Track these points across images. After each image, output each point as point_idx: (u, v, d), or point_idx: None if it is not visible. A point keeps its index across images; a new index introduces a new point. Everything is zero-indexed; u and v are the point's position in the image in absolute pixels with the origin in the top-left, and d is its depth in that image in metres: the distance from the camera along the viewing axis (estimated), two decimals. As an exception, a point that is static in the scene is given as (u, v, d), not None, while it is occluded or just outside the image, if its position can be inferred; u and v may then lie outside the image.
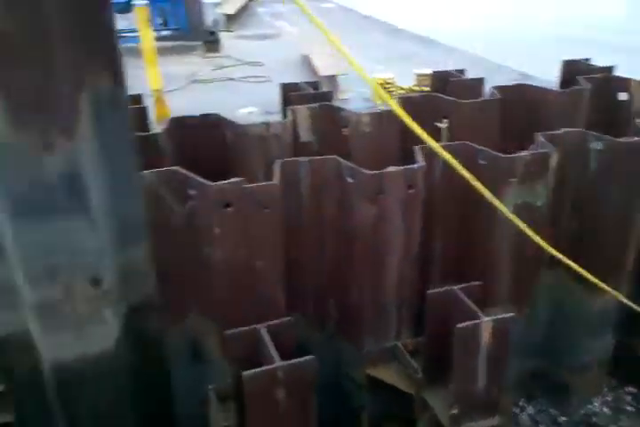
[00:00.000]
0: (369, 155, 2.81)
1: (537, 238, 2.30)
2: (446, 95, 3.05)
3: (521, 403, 3.33)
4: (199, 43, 11.35)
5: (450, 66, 4.43)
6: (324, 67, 8.66)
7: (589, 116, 3.16)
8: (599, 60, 3.67)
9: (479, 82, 3.36)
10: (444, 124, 2.95)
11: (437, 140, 2.23)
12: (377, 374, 2.48)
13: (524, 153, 2.51)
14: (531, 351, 3.05)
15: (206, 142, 2.77)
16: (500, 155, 2.47)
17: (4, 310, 1.79)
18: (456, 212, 2.63)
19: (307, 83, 3.38)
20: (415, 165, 2.34)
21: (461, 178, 2.12)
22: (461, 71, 3.54)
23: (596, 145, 2.65)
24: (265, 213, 2.17)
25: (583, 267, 2.41)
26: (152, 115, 4.18)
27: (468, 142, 2.54)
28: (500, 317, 2.01)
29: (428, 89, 3.80)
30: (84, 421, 1.98)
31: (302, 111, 2.89)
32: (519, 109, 3.09)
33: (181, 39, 11.37)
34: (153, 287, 1.90)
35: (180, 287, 2.31)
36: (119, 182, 1.77)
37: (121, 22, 8.19)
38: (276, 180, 2.21)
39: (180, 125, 2.72)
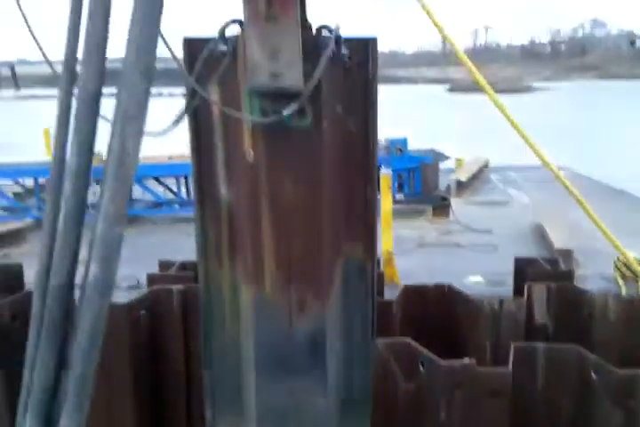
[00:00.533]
0: (615, 347, 2.55)
1: None
2: None
3: None
4: (429, 207, 11.84)
5: None
6: (560, 239, 8.39)
7: None
8: None
9: None
10: None
11: None
12: None
13: None
14: None
15: (436, 313, 2.77)
16: None
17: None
18: None
19: (544, 259, 3.29)
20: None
21: None
22: None
23: None
24: (494, 400, 2.04)
25: None
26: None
27: None
28: None
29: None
30: None
31: (539, 290, 2.78)
32: None
33: (413, 203, 11.97)
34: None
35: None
36: (355, 349, 1.82)
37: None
38: (509, 365, 2.09)
39: (413, 294, 2.78)
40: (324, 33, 2.42)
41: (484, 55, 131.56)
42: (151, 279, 5.32)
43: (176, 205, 11.59)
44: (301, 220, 2.63)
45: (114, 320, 2.89)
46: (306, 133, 2.49)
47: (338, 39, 2.33)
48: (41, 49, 2.41)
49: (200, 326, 2.72)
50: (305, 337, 1.74)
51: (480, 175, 16.13)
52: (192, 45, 2.43)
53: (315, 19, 2.47)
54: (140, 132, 1.19)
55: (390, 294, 5.86)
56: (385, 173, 7.12)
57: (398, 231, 9.14)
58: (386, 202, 7.17)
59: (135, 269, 6.05)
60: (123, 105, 1.16)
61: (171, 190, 11.80)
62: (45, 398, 1.34)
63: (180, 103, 2.34)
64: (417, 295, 2.79)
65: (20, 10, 2.32)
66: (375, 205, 2.81)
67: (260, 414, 1.74)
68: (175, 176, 11.36)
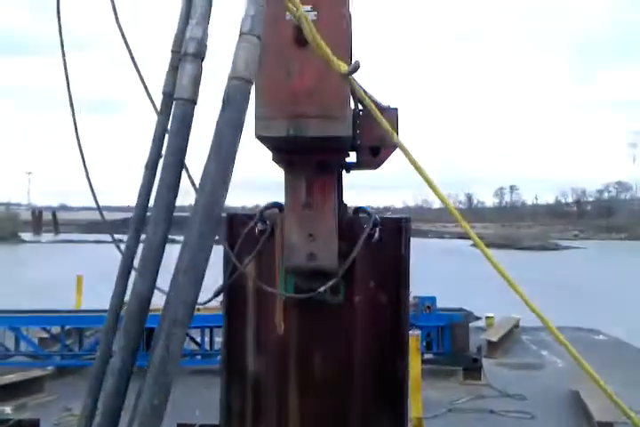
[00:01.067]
0: None
1: None
2: None
3: None
4: (459, 368, 11.41)
5: None
6: (600, 410, 7.91)
7: None
8: None
9: None
10: None
11: None
12: None
13: None
14: None
15: None
16: None
17: None
18: None
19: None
20: None
21: None
22: None
23: None
24: None
25: None
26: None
27: None
28: None
29: None
30: None
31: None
32: None
33: (442, 363, 11.57)
34: None
35: None
36: None
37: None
38: None
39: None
40: (360, 214, 2.57)
41: (510, 213, 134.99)
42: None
43: (198, 357, 11.39)
44: (329, 396, 2.57)
45: None
46: (338, 308, 2.53)
47: (374, 222, 2.47)
48: (95, 199, 2.57)
49: None
50: None
51: (511, 335, 15.69)
52: (233, 220, 2.59)
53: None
54: (183, 340, 1.26)
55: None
56: (413, 335, 7.01)
57: (427, 392, 8.75)
58: (415, 365, 6.97)
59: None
60: (172, 308, 1.23)
61: (194, 341, 11.68)
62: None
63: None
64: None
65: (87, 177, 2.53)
66: (407, 382, 2.75)
67: None
68: (200, 327, 11.31)
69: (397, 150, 2.64)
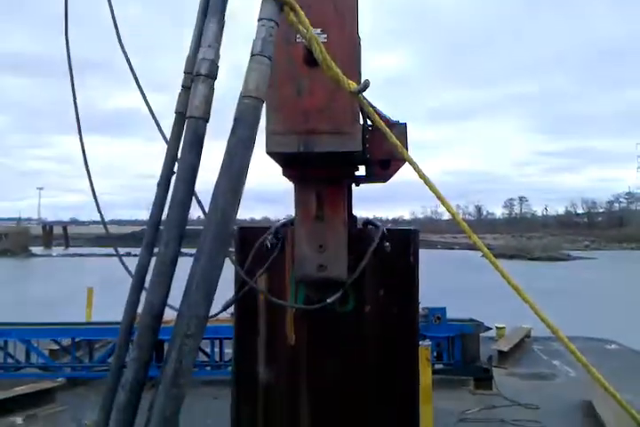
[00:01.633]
0: None
1: None
2: None
3: None
4: (470, 378, 11.33)
5: None
6: (613, 422, 7.84)
7: None
8: None
9: None
10: None
11: None
12: None
13: None
14: None
15: None
16: None
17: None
18: None
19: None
20: None
21: None
22: None
23: None
24: None
25: None
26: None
27: None
28: None
29: None
30: None
31: None
32: None
33: (452, 373, 11.50)
34: None
35: None
36: None
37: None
38: None
39: None
40: (369, 227, 2.61)
41: (520, 224, 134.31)
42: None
43: (208, 368, 11.39)
44: (342, 406, 2.59)
45: None
46: (348, 317, 2.56)
47: (382, 234, 2.50)
48: (100, 213, 2.61)
49: None
50: None
51: (522, 345, 15.58)
52: (244, 233, 2.62)
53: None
54: (195, 353, 1.29)
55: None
56: (423, 346, 6.99)
57: (438, 403, 8.69)
58: (425, 375, 6.94)
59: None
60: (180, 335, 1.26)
61: (204, 352, 11.69)
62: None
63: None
64: None
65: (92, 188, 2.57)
66: (418, 390, 2.77)
67: None
68: (210, 338, 11.32)
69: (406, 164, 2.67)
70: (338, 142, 2.23)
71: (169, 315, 1.63)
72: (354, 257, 2.45)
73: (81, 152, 2.42)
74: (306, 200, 2.46)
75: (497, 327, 15.22)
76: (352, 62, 2.23)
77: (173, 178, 1.59)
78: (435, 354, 11.48)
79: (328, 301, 2.37)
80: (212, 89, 1.58)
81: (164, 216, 1.61)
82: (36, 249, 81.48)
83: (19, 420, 8.69)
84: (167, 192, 1.71)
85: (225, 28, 1.58)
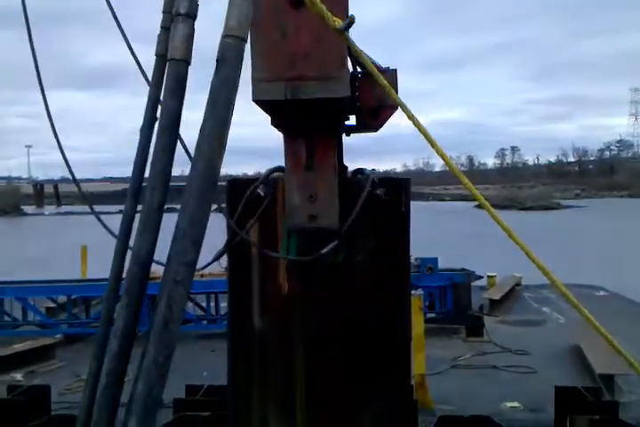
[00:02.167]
0: None
1: None
2: None
3: None
4: (462, 326, 11.56)
5: None
6: (600, 363, 8.05)
7: None
8: None
9: None
10: None
11: None
12: None
13: None
14: None
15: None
16: None
17: None
18: None
19: (586, 388, 3.17)
20: None
21: None
22: None
23: None
24: None
25: None
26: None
27: None
28: None
29: None
30: None
31: (582, 423, 2.67)
32: None
33: (445, 322, 11.71)
34: None
35: None
36: None
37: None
38: None
39: (449, 426, 2.68)
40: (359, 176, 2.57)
41: (511, 174, 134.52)
42: (178, 404, 5.21)
43: (204, 322, 11.54)
44: (335, 350, 2.62)
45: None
46: (340, 267, 2.56)
47: (373, 182, 2.47)
48: (71, 171, 2.57)
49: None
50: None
51: (513, 293, 15.86)
52: (235, 185, 2.59)
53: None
54: (185, 300, 1.27)
55: (424, 422, 5.62)
56: (415, 295, 7.08)
57: (431, 351, 8.88)
58: (417, 324, 7.05)
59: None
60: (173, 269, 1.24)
61: (200, 306, 11.82)
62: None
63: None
64: (453, 428, 2.68)
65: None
66: (410, 337, 2.80)
67: None
68: (205, 293, 11.43)
69: (396, 112, 2.62)
70: (326, 88, 2.17)
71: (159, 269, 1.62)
72: (345, 206, 2.43)
73: (45, 111, 2.35)
74: (295, 150, 2.42)
75: (488, 276, 15.43)
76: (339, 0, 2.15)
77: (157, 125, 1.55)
78: (427, 303, 11.66)
79: (322, 252, 2.36)
80: (192, 29, 1.52)
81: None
82: (27, 208, 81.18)
83: (18, 376, 8.83)
84: (151, 138, 1.67)
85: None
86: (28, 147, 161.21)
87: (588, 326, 2.31)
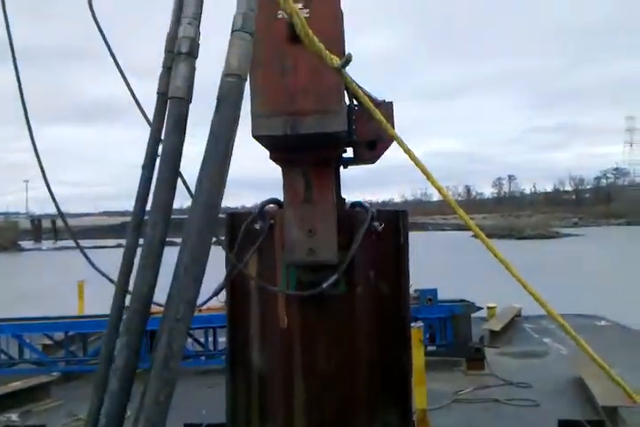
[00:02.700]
0: None
1: None
2: None
3: None
4: (462, 359, 11.42)
5: None
6: (603, 395, 7.94)
7: None
8: None
9: None
10: None
11: None
12: None
13: None
14: None
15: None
16: None
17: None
18: None
19: (589, 421, 3.13)
20: None
21: None
22: None
23: None
24: None
25: None
26: None
27: None
28: None
29: None
30: None
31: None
32: None
33: (445, 355, 11.58)
34: None
35: None
36: None
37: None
38: None
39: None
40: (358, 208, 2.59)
41: (509, 203, 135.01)
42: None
43: (202, 358, 11.40)
44: (336, 387, 2.60)
45: None
46: (340, 299, 2.56)
47: (371, 215, 2.49)
48: (56, 205, 2.57)
49: None
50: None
51: (513, 324, 15.73)
52: (235, 219, 2.60)
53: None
54: (185, 337, 1.28)
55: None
56: (416, 327, 7.02)
57: (431, 385, 8.75)
58: (418, 357, 6.98)
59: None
60: (174, 307, 1.24)
61: (198, 342, 11.69)
62: None
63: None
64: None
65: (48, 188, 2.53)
66: (411, 370, 2.78)
67: None
68: (203, 328, 11.32)
69: (393, 144, 2.66)
70: (324, 123, 2.21)
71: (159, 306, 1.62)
72: (344, 239, 2.44)
73: (31, 145, 2.37)
74: (294, 183, 2.44)
75: (488, 307, 15.32)
76: (335, 37, 2.20)
77: (158, 161, 1.57)
78: (427, 336, 11.55)
79: (323, 286, 2.36)
80: (193, 68, 1.55)
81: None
82: (25, 243, 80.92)
83: (14, 416, 8.67)
84: (152, 174, 1.69)
85: (205, 3, 1.54)
86: (26, 182, 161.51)
87: (589, 359, 2.30)
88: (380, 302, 2.63)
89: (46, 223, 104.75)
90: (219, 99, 1.38)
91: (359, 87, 2.26)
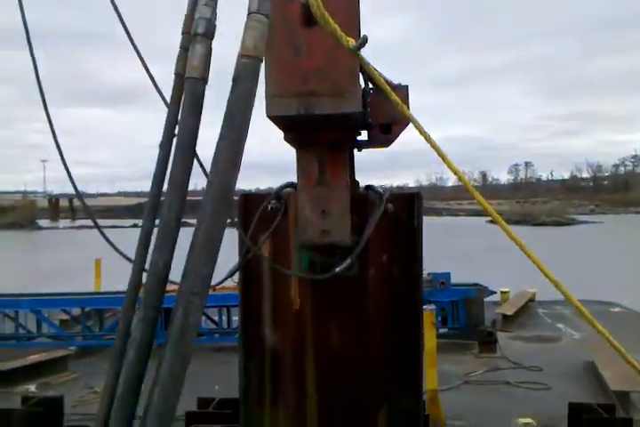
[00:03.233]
0: None
1: None
2: None
3: None
4: (474, 342, 11.45)
5: None
6: (614, 380, 7.95)
7: None
8: None
9: None
10: None
11: None
12: None
13: None
14: None
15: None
16: None
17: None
18: None
19: (600, 405, 3.16)
20: None
21: None
22: None
23: None
24: None
25: None
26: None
27: None
28: None
29: None
30: None
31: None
32: None
33: (457, 337, 11.61)
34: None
35: None
36: None
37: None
38: None
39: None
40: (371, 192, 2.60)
41: (525, 189, 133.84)
42: (190, 417, 5.22)
43: (216, 335, 11.54)
44: (346, 366, 2.63)
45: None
46: (352, 281, 2.58)
47: (385, 197, 2.50)
48: (74, 184, 2.61)
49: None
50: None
51: (526, 309, 15.71)
52: (247, 200, 2.63)
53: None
54: (201, 311, 1.31)
55: (436, 439, 5.57)
56: (428, 310, 7.05)
57: (443, 366, 8.81)
58: (429, 339, 7.02)
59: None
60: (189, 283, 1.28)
61: (212, 320, 11.83)
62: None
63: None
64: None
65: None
66: (422, 352, 2.81)
67: None
68: (217, 306, 11.45)
69: (408, 128, 2.66)
70: (338, 104, 2.22)
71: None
72: (357, 221, 2.45)
73: (48, 126, 2.40)
74: (308, 165, 2.45)
75: (501, 291, 15.30)
76: (351, 19, 2.20)
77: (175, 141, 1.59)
78: (439, 319, 11.58)
79: (336, 270, 2.38)
80: (209, 49, 1.57)
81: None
82: (42, 222, 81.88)
83: (32, 387, 8.87)
84: (169, 154, 1.71)
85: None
86: (44, 161, 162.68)
87: (603, 342, 2.31)
88: (392, 285, 2.65)
89: (64, 202, 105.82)
90: (234, 79, 1.40)
91: (374, 69, 2.26)
